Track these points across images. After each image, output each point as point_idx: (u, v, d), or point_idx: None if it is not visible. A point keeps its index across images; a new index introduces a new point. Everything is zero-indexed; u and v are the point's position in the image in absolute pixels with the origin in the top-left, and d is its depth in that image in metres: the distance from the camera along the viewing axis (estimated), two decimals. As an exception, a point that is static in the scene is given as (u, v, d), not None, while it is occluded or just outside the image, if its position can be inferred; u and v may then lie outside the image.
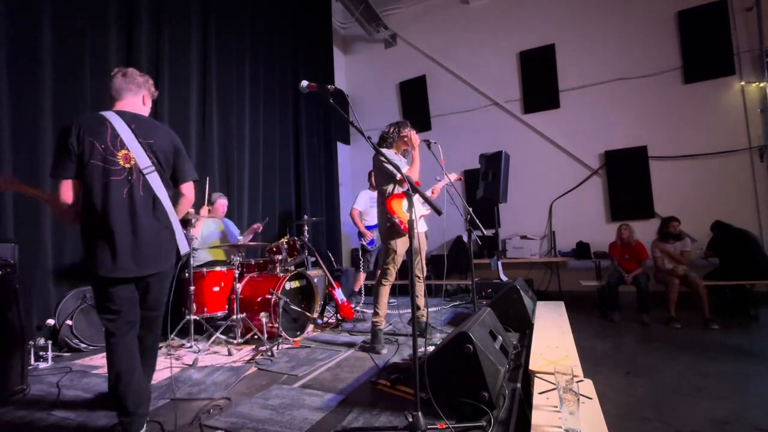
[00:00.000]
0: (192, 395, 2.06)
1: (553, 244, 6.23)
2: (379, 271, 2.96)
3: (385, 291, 2.85)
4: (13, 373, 2.16)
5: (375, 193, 4.62)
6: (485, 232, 4.00)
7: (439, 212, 1.75)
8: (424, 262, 3.07)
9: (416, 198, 1.79)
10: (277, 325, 2.96)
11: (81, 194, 1.63)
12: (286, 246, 3.51)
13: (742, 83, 5.34)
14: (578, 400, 1.45)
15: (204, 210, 3.67)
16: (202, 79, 4.43)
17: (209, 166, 4.43)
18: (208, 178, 3.86)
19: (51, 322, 2.90)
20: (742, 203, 5.24)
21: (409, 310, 2.30)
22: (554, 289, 6.11)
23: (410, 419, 1.48)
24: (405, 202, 1.63)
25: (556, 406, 1.54)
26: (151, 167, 1.68)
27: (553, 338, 2.62)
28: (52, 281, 3.01)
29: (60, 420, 1.83)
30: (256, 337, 3.03)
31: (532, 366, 2.08)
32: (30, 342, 2.58)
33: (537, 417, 1.55)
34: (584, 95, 6.21)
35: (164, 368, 2.50)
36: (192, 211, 3.04)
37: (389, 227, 2.76)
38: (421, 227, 3.10)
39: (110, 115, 1.66)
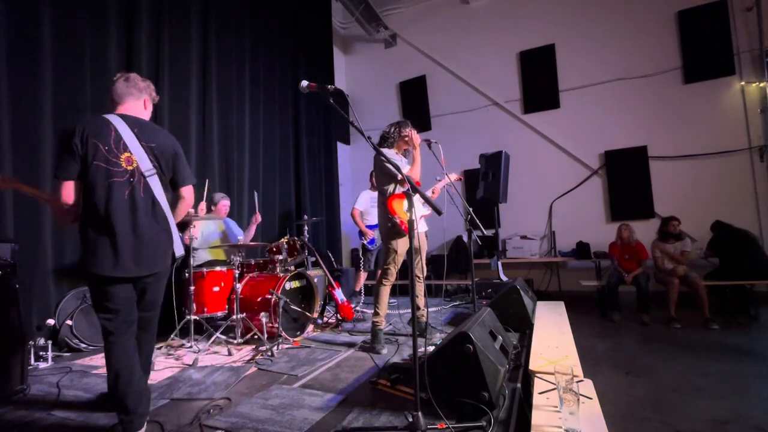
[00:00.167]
0: (192, 395, 2.06)
1: (553, 244, 6.23)
2: (379, 271, 2.96)
3: (385, 291, 2.85)
4: (13, 373, 2.16)
5: (376, 193, 4.63)
6: (485, 232, 4.00)
7: (439, 212, 1.75)
8: (424, 262, 3.07)
9: (417, 198, 1.79)
10: (277, 325, 2.96)
11: (82, 195, 1.65)
12: (286, 246, 3.51)
13: (742, 83, 5.34)
14: (578, 400, 1.45)
15: (202, 205, 3.65)
16: (202, 79, 4.43)
17: (209, 166, 4.43)
18: (207, 180, 3.85)
19: (51, 322, 2.90)
20: (742, 203, 5.24)
21: (409, 310, 2.30)
22: (554, 289, 6.11)
23: (410, 419, 1.48)
24: (406, 203, 1.63)
25: (556, 406, 1.54)
26: (152, 170, 1.71)
27: (553, 338, 2.62)
28: (52, 281, 3.00)
29: (60, 420, 1.83)
30: (256, 337, 3.03)
31: (532, 366, 2.08)
32: (30, 342, 2.58)
33: (537, 417, 1.55)
34: (584, 95, 6.21)
35: (164, 368, 2.50)
36: (192, 211, 3.04)
37: (390, 227, 2.76)
38: (421, 227, 3.10)
39: (113, 118, 1.69)
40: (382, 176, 2.86)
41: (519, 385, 1.98)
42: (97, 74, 3.37)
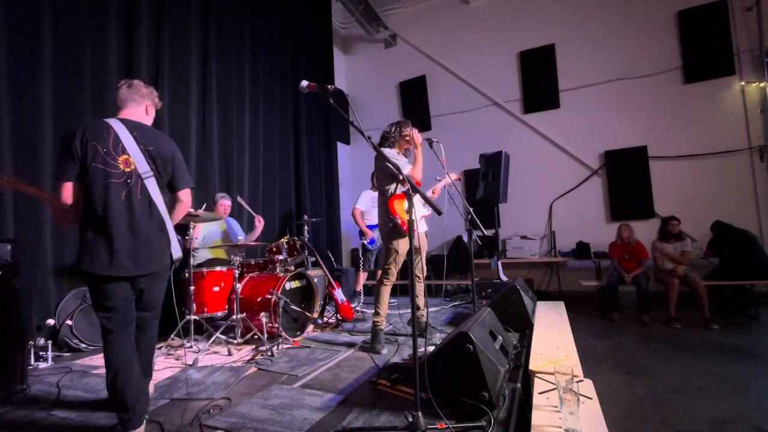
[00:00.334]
0: (192, 395, 2.06)
1: (553, 244, 6.23)
2: (379, 271, 2.95)
3: (386, 291, 2.85)
4: (13, 373, 2.16)
5: (377, 193, 4.63)
6: (485, 232, 4.00)
7: (439, 212, 1.75)
8: (424, 262, 3.07)
9: (417, 198, 1.79)
10: (277, 325, 2.96)
11: (82, 196, 1.69)
12: (286, 246, 3.51)
13: (742, 83, 5.34)
14: (578, 400, 1.45)
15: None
16: (202, 79, 4.43)
17: (209, 166, 4.43)
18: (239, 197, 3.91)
19: (51, 322, 2.90)
20: (742, 203, 5.24)
21: (409, 310, 2.30)
22: (554, 289, 6.11)
23: (410, 419, 1.48)
24: (407, 203, 1.63)
25: (556, 406, 1.54)
26: (149, 172, 1.75)
27: (553, 338, 2.62)
28: (52, 281, 3.00)
29: (60, 420, 1.83)
30: (256, 337, 3.03)
31: (532, 366, 2.08)
32: (30, 342, 2.58)
33: (537, 417, 1.55)
34: (584, 95, 6.21)
35: (164, 368, 2.50)
36: (192, 210, 3.04)
37: (391, 227, 2.76)
38: (421, 228, 3.10)
39: (114, 122, 1.74)
40: (383, 176, 2.85)
41: (519, 385, 1.98)
42: (97, 74, 3.38)
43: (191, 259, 3.11)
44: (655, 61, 5.77)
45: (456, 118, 7.09)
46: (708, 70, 5.49)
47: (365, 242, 4.46)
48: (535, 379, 1.93)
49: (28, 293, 2.75)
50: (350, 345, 2.95)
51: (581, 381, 1.80)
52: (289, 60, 6.04)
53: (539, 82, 6.51)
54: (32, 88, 2.96)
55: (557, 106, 6.40)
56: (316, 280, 3.57)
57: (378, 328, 2.81)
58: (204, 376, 2.32)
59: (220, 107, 4.65)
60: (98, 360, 2.76)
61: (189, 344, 2.93)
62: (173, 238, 1.84)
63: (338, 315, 3.73)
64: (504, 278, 4.87)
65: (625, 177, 5.88)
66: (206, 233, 3.77)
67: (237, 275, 3.11)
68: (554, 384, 1.58)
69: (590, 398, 1.66)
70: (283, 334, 2.95)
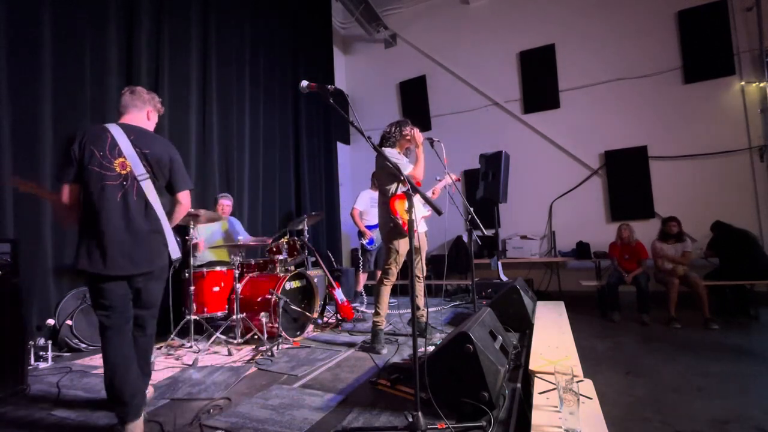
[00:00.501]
0: (192, 395, 2.06)
1: (553, 244, 6.24)
2: (379, 271, 2.95)
3: (386, 291, 2.85)
4: (13, 373, 2.16)
5: (376, 193, 4.63)
6: (485, 232, 4.00)
7: (439, 212, 1.75)
8: (424, 262, 3.07)
9: (417, 199, 1.79)
10: (277, 325, 2.96)
11: (81, 197, 1.78)
12: (286, 246, 3.51)
13: (742, 83, 5.34)
14: (578, 400, 1.45)
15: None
16: (202, 79, 4.43)
17: (209, 166, 4.43)
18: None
19: (51, 322, 2.89)
20: (742, 203, 5.24)
21: (409, 310, 2.30)
22: (554, 289, 6.11)
23: (410, 419, 1.48)
24: (407, 203, 1.63)
25: (556, 406, 1.54)
26: (145, 174, 1.81)
27: (553, 338, 2.62)
28: (52, 281, 3.00)
29: (60, 420, 1.83)
30: (256, 337, 3.03)
31: (532, 366, 2.08)
32: (30, 342, 2.59)
33: (537, 417, 1.55)
34: (584, 95, 6.21)
35: (164, 368, 2.50)
36: (192, 210, 3.04)
37: (392, 227, 2.76)
38: (421, 228, 3.10)
39: (112, 127, 1.82)
40: (385, 176, 2.85)
41: (519, 385, 1.98)
42: (97, 74, 3.38)
43: (192, 259, 3.11)
44: (655, 61, 5.77)
45: (456, 118, 7.09)
46: (708, 70, 5.49)
47: (364, 243, 4.46)
48: (535, 379, 1.93)
49: (28, 293, 2.75)
50: (350, 345, 2.95)
51: (581, 381, 1.80)
52: (289, 60, 6.04)
53: (539, 82, 6.51)
54: (32, 88, 2.96)
55: (557, 106, 6.40)
56: (316, 280, 3.57)
57: (378, 328, 2.81)
58: (204, 376, 2.32)
59: (220, 107, 4.65)
60: (98, 360, 2.75)
61: (189, 344, 2.94)
62: (171, 238, 1.88)
63: (338, 315, 3.73)
64: (504, 278, 4.87)
65: (625, 177, 5.88)
66: (208, 233, 3.77)
67: (237, 275, 3.11)
68: (554, 384, 1.58)
69: (590, 398, 1.66)
70: (283, 334, 2.95)
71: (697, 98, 5.55)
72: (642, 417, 2.22)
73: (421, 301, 3.03)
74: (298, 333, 3.29)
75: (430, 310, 4.10)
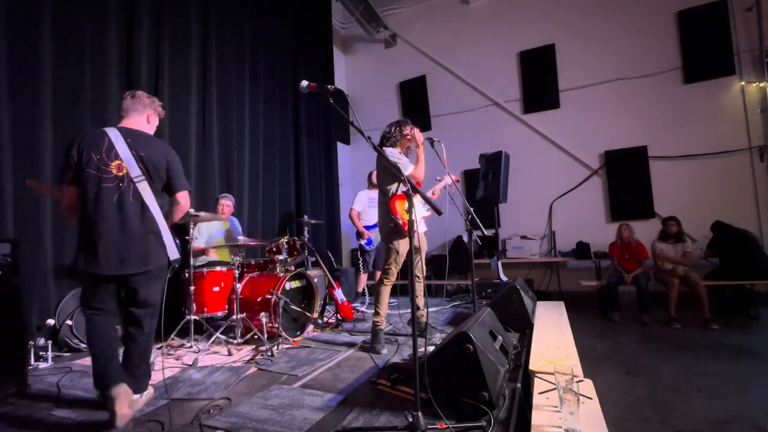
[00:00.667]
0: (192, 395, 2.06)
1: (553, 244, 6.24)
2: (378, 272, 2.95)
3: (386, 291, 2.85)
4: (13, 373, 2.16)
5: (374, 193, 4.63)
6: (485, 232, 4.00)
7: (439, 212, 1.75)
8: (423, 262, 3.07)
9: (418, 199, 1.79)
10: (277, 325, 2.96)
11: (80, 198, 1.85)
12: (286, 246, 3.51)
13: (742, 83, 5.34)
14: (578, 400, 1.45)
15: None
16: (202, 79, 4.43)
17: (209, 166, 4.43)
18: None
19: (51, 322, 2.89)
20: (742, 203, 5.24)
21: (409, 310, 2.30)
22: (554, 289, 6.11)
23: (410, 419, 1.48)
24: (407, 203, 1.63)
25: (556, 406, 1.54)
26: (141, 176, 1.86)
27: (553, 338, 2.62)
28: (52, 281, 3.00)
29: (60, 420, 1.83)
30: (256, 337, 3.03)
31: (532, 366, 2.08)
32: (30, 342, 2.59)
33: (537, 417, 1.55)
34: (584, 95, 6.21)
35: (164, 368, 2.50)
36: (192, 210, 3.04)
37: (392, 227, 2.76)
38: (421, 228, 3.10)
39: (110, 130, 1.89)
40: (386, 176, 2.84)
41: (519, 385, 1.98)
42: (97, 74, 3.37)
43: (191, 259, 3.11)
44: (655, 61, 5.78)
45: (456, 118, 7.09)
46: (708, 70, 5.49)
47: (362, 243, 4.46)
48: (535, 379, 1.93)
49: (28, 293, 2.75)
50: (350, 345, 2.95)
51: (581, 381, 1.79)
52: (289, 60, 6.04)
53: (539, 82, 6.51)
54: (32, 88, 2.96)
55: (557, 106, 6.40)
56: (316, 280, 3.57)
57: (378, 328, 2.81)
58: (204, 376, 2.32)
59: (220, 107, 4.65)
60: (98, 360, 2.76)
61: (189, 344, 2.93)
62: (168, 240, 1.91)
63: (338, 315, 3.73)
64: (504, 278, 4.87)
65: (625, 177, 5.89)
66: (209, 233, 3.77)
67: (237, 275, 3.11)
68: (554, 384, 1.58)
69: (590, 398, 1.66)
70: (283, 334, 2.95)
71: (697, 98, 5.55)
72: (642, 417, 2.23)
73: (421, 301, 3.03)
74: (298, 333, 3.29)
75: (430, 310, 4.10)
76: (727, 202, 5.27)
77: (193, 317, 2.99)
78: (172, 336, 3.02)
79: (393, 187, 2.80)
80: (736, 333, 3.81)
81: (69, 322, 2.93)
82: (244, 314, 3.11)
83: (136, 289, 1.87)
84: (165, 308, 2.16)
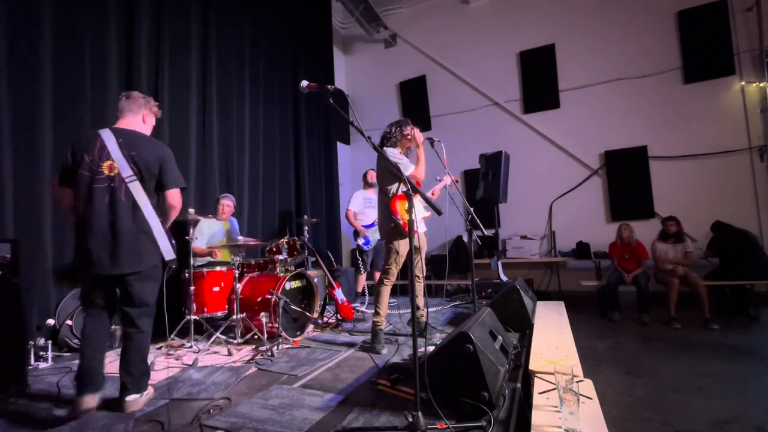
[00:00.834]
0: (192, 395, 2.06)
1: (553, 244, 6.23)
2: (377, 272, 2.95)
3: (386, 291, 2.85)
4: (13, 373, 2.16)
5: (370, 193, 4.64)
6: (485, 232, 4.00)
7: (439, 213, 1.75)
8: (423, 262, 3.07)
9: (418, 199, 1.79)
10: (277, 325, 2.96)
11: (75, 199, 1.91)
12: (286, 246, 3.51)
13: (742, 83, 5.34)
14: (578, 400, 1.45)
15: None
16: (202, 79, 4.43)
17: (209, 166, 4.43)
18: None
19: (51, 322, 2.89)
20: (742, 203, 5.24)
21: (409, 310, 2.30)
22: (554, 289, 6.11)
23: (410, 419, 1.48)
24: (408, 203, 1.64)
25: (556, 406, 1.54)
26: (133, 176, 1.88)
27: (553, 338, 2.62)
28: (52, 281, 3.00)
29: (60, 420, 1.83)
30: (256, 337, 3.03)
31: (532, 366, 2.08)
32: (30, 342, 2.59)
33: (537, 417, 1.55)
34: (584, 95, 6.21)
35: (164, 368, 2.50)
36: (192, 210, 3.04)
37: (393, 228, 2.76)
38: (421, 228, 3.10)
39: (103, 132, 1.93)
40: (387, 176, 2.84)
41: (519, 385, 1.98)
42: (97, 74, 3.37)
43: (191, 259, 3.11)
44: (655, 61, 5.77)
45: (456, 118, 7.09)
46: (708, 70, 5.49)
47: (360, 243, 4.46)
48: (535, 379, 1.93)
49: (28, 293, 2.75)
50: (350, 345, 2.95)
51: (581, 381, 1.79)
52: (289, 60, 6.04)
53: (539, 82, 6.51)
54: (32, 88, 2.96)
55: (557, 106, 6.40)
56: (316, 280, 3.57)
57: (378, 328, 2.81)
58: (204, 376, 2.32)
59: (220, 107, 4.65)
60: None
61: (189, 344, 2.94)
62: (163, 240, 1.92)
63: (338, 315, 3.73)
64: (504, 278, 4.87)
65: (625, 177, 5.88)
66: (210, 234, 3.77)
67: (237, 275, 3.11)
68: (554, 384, 1.58)
69: (590, 398, 1.66)
70: (283, 334, 2.95)
71: (697, 98, 5.55)
72: (642, 417, 2.23)
73: (421, 301, 3.03)
74: (298, 333, 3.29)
75: (430, 310, 4.10)
76: (727, 202, 5.27)
77: (193, 317, 3.00)
78: (172, 336, 3.03)
79: (393, 188, 2.80)
80: (736, 333, 3.81)
81: (69, 322, 2.94)
82: (244, 314, 3.11)
83: (129, 288, 1.89)
84: (165, 308, 2.17)
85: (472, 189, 6.24)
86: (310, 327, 3.52)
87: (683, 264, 4.45)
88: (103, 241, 1.81)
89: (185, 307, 3.13)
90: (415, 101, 7.42)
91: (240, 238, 3.91)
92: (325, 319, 3.82)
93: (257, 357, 2.69)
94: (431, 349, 2.13)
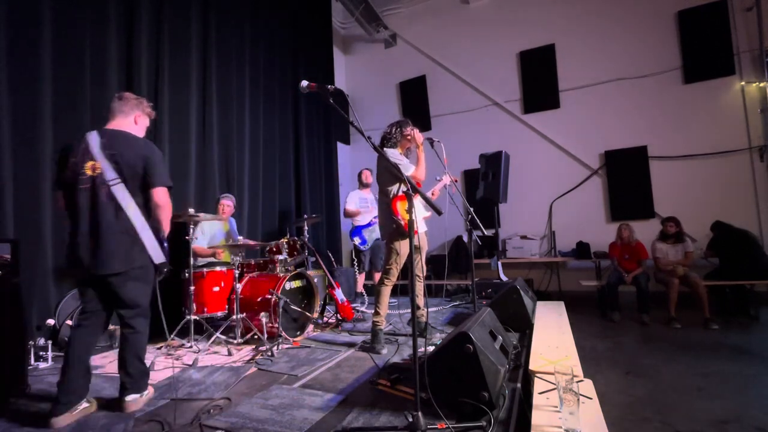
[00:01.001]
0: (192, 395, 2.06)
1: (553, 244, 6.23)
2: (375, 272, 2.95)
3: (386, 291, 2.85)
4: (13, 372, 2.16)
5: (365, 193, 4.64)
6: (485, 232, 4.00)
7: (439, 213, 1.76)
8: (424, 261, 3.06)
9: (418, 199, 1.79)
10: (277, 325, 2.96)
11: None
12: (286, 246, 3.51)
13: (742, 83, 5.34)
14: (578, 400, 1.45)
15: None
16: (202, 79, 4.42)
17: (209, 166, 4.43)
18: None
19: (51, 322, 2.90)
20: (742, 203, 5.24)
21: (409, 310, 2.30)
22: (554, 289, 6.11)
23: (410, 419, 1.48)
24: (408, 203, 1.64)
25: (556, 406, 1.54)
26: (115, 176, 1.86)
27: (553, 338, 2.62)
28: (52, 281, 3.00)
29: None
30: (256, 337, 3.03)
31: (532, 366, 2.08)
32: (30, 342, 2.59)
33: (537, 417, 1.55)
34: (584, 95, 6.21)
35: (164, 368, 2.50)
36: (192, 210, 3.04)
37: (395, 229, 2.76)
38: (421, 228, 3.10)
39: (91, 133, 1.92)
40: (388, 176, 2.84)
41: (519, 385, 1.98)
42: (97, 74, 3.37)
43: (191, 259, 3.11)
44: (655, 61, 5.77)
45: (456, 118, 7.09)
46: (708, 70, 5.49)
47: (356, 243, 4.47)
48: (535, 379, 1.93)
49: (28, 293, 2.75)
50: (350, 345, 2.95)
51: (581, 381, 1.80)
52: (289, 60, 6.03)
53: (539, 82, 6.51)
54: (32, 87, 2.96)
55: (557, 106, 6.40)
56: (316, 280, 3.57)
57: (378, 328, 2.81)
58: (204, 376, 2.32)
59: (220, 107, 4.64)
60: (98, 360, 2.76)
61: (189, 344, 2.94)
62: (150, 241, 1.89)
63: (338, 315, 3.73)
64: (504, 278, 4.87)
65: (625, 177, 5.88)
66: (211, 234, 3.77)
67: (237, 275, 3.11)
68: (554, 384, 1.58)
69: (590, 398, 1.66)
70: (283, 334, 2.95)
71: (697, 98, 5.55)
72: (642, 417, 2.22)
73: (421, 300, 3.03)
74: (298, 333, 3.29)
75: (430, 310, 4.10)
76: (727, 202, 5.27)
77: (193, 317, 2.99)
78: (172, 336, 3.02)
79: (394, 188, 2.80)
80: (736, 333, 3.81)
81: (69, 322, 2.93)
82: (244, 314, 3.11)
83: (117, 290, 1.87)
84: (165, 308, 2.16)
85: (472, 189, 6.24)
86: (310, 327, 3.52)
87: (684, 264, 4.45)
88: (85, 241, 1.81)
89: (185, 307, 3.13)
90: (415, 101, 7.42)
91: (240, 238, 3.92)
92: (325, 319, 3.82)
93: (257, 357, 2.69)
94: (431, 349, 2.13)
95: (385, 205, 2.83)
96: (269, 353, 2.71)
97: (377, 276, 4.32)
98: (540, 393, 1.76)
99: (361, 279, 4.62)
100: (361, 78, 8.06)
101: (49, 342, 2.72)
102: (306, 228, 4.16)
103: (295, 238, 3.82)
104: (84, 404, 1.85)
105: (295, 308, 3.24)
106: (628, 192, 5.87)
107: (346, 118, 2.05)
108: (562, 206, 6.30)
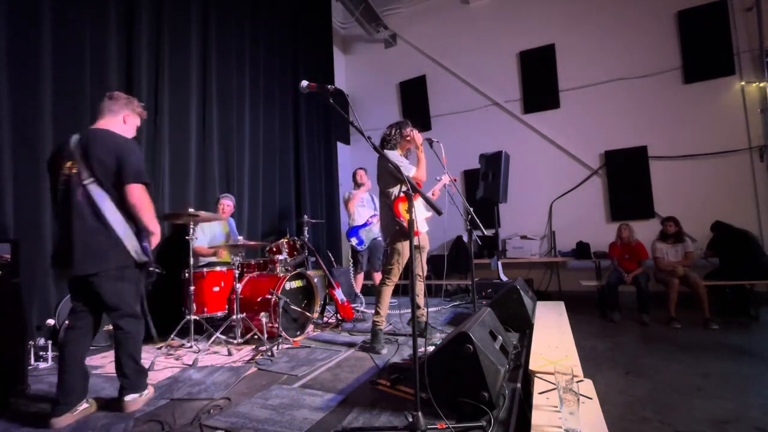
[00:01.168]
0: (192, 395, 2.06)
1: (553, 244, 6.23)
2: (374, 272, 2.95)
3: (387, 291, 2.85)
4: (13, 372, 2.16)
5: (362, 193, 4.62)
6: (485, 232, 4.00)
7: (439, 213, 1.76)
8: (424, 261, 3.06)
9: (419, 200, 1.79)
10: (277, 325, 2.96)
11: None
12: (286, 246, 3.51)
13: (742, 83, 5.34)
14: (578, 400, 1.45)
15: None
16: (202, 79, 4.42)
17: (209, 166, 4.43)
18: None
19: (51, 322, 2.90)
20: (742, 203, 5.24)
21: (409, 310, 2.30)
22: (554, 289, 6.11)
23: (410, 419, 1.48)
24: (407, 203, 1.64)
25: (556, 406, 1.54)
26: (88, 175, 1.82)
27: (553, 338, 2.62)
28: (52, 281, 3.00)
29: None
30: (256, 337, 3.03)
31: (532, 366, 2.08)
32: (30, 342, 2.59)
33: (537, 417, 1.55)
34: (584, 95, 6.21)
35: (164, 368, 2.50)
36: (192, 210, 3.04)
37: (398, 230, 2.76)
38: (422, 228, 3.10)
39: (74, 135, 1.89)
40: (389, 178, 2.84)
41: (519, 385, 1.98)
42: (97, 74, 3.37)
43: (191, 259, 3.10)
44: (655, 61, 5.77)
45: (456, 118, 7.09)
46: (708, 70, 5.49)
47: (353, 244, 4.46)
48: (535, 379, 1.93)
49: (28, 293, 2.75)
50: (350, 345, 2.95)
51: (581, 381, 1.80)
52: (289, 60, 6.03)
53: (539, 82, 6.51)
54: (32, 88, 2.96)
55: (557, 106, 6.40)
56: (316, 280, 3.57)
57: (378, 328, 2.81)
58: (204, 376, 2.32)
59: (220, 107, 4.64)
60: (98, 360, 2.76)
61: (189, 344, 2.93)
62: (129, 240, 1.86)
63: (338, 315, 3.73)
64: (504, 278, 4.87)
65: (625, 177, 5.88)
66: (211, 234, 3.77)
67: (237, 275, 3.11)
68: (554, 384, 1.58)
69: (590, 398, 1.66)
70: (283, 334, 2.95)
71: (697, 98, 5.55)
72: (642, 417, 2.22)
73: (421, 300, 3.03)
74: (298, 333, 3.29)
75: (430, 310, 4.10)
76: (727, 202, 5.27)
77: (193, 317, 2.99)
78: (172, 336, 3.03)
79: (395, 190, 2.80)
80: (736, 333, 3.81)
81: (68, 322, 2.93)
82: (244, 314, 3.11)
83: (98, 291, 1.84)
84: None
85: (472, 189, 6.24)
86: (310, 327, 3.52)
87: (684, 264, 4.45)
88: (62, 241, 1.81)
89: (185, 307, 3.13)
90: (415, 101, 7.42)
91: (240, 237, 3.91)
92: (325, 319, 3.82)
93: (257, 357, 2.69)
94: (431, 349, 2.13)
95: (387, 207, 2.83)
96: (269, 353, 2.71)
97: (376, 275, 4.32)
98: (540, 393, 1.76)
99: (360, 279, 4.61)
100: (361, 78, 8.06)
101: (49, 342, 2.73)
102: (306, 228, 4.15)
103: (295, 238, 3.82)
104: (84, 404, 1.84)
105: (295, 308, 3.24)
106: (628, 192, 5.87)
107: (346, 118, 2.05)
108: (562, 206, 6.30)
